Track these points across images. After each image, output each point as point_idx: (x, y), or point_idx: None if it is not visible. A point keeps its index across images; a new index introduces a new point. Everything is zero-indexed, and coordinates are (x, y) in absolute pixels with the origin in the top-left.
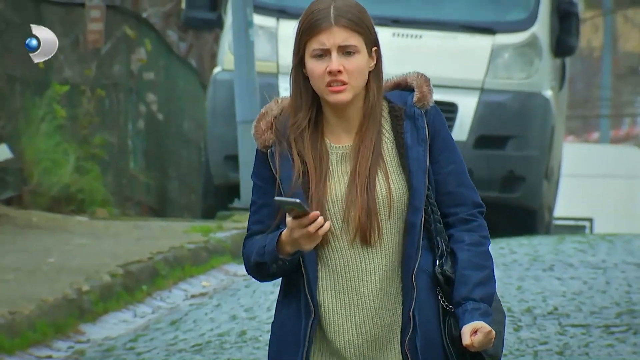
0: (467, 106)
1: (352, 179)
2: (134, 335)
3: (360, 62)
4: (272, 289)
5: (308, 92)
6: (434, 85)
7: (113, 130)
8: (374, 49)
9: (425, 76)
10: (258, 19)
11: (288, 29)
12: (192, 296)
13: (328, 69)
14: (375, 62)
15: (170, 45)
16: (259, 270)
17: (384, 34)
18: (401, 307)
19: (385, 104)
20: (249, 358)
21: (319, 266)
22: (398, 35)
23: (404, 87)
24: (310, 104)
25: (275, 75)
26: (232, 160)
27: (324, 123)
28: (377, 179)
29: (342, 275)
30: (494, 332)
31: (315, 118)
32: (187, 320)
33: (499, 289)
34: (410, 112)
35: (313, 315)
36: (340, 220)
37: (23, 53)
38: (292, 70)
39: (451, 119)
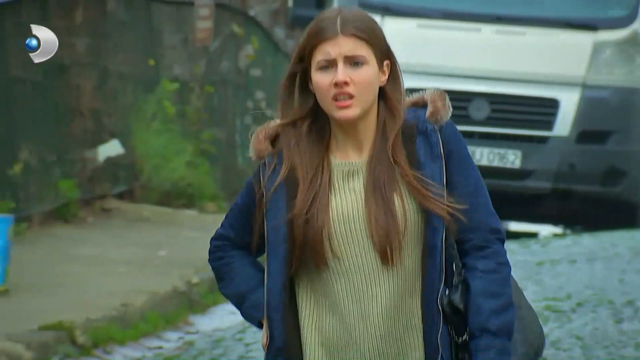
0: (569, 102)
1: (368, 197)
2: (242, 326)
3: (369, 74)
4: None
5: (307, 103)
6: (536, 81)
7: (222, 126)
8: (385, 62)
9: (442, 92)
10: None
11: (393, 26)
12: None
13: (334, 81)
14: (387, 76)
15: (277, 42)
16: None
17: (487, 31)
18: (415, 335)
19: None
20: None
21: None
22: (501, 32)
23: (421, 105)
24: (312, 115)
25: None
26: None
27: (332, 139)
28: (394, 196)
29: (344, 300)
30: None
31: (320, 131)
32: None
33: (601, 281)
34: (423, 128)
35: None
36: (354, 239)
37: (134, 51)
38: (286, 78)
39: (552, 114)
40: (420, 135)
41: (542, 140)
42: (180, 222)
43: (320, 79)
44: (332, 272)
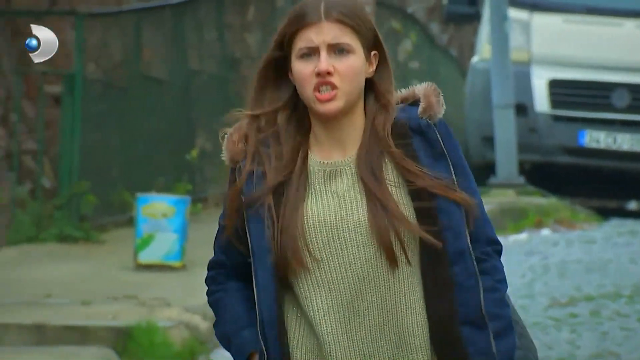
0: None
1: (359, 200)
2: None
3: (355, 63)
4: (526, 258)
5: (284, 94)
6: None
7: None
8: (373, 53)
9: (435, 86)
10: (512, 13)
11: (540, 21)
12: None
13: (316, 70)
14: (374, 68)
15: (433, 37)
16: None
17: (629, 25)
18: (415, 357)
19: None
20: None
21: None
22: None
23: (411, 101)
24: (289, 108)
25: (527, 63)
26: (489, 141)
27: (311, 135)
28: (390, 197)
29: (325, 317)
30: None
31: (299, 128)
32: None
33: None
34: (416, 125)
35: None
36: (337, 248)
37: None
38: (263, 65)
39: None
40: (415, 134)
41: None
42: None
43: (301, 68)
44: (312, 285)
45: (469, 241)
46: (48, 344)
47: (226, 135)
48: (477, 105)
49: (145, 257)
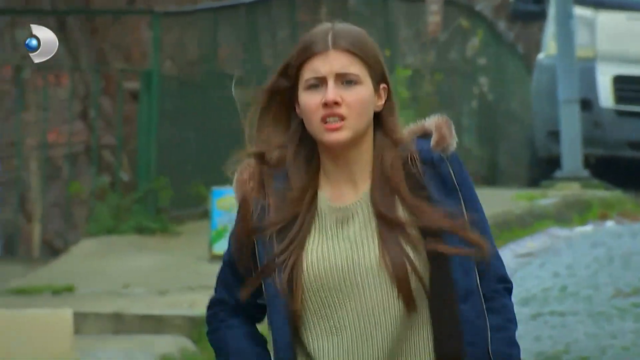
0: None
1: (369, 241)
2: None
3: (363, 94)
4: (591, 250)
5: (290, 128)
6: None
7: (450, 110)
8: (382, 86)
9: (446, 118)
10: (577, 10)
11: (605, 19)
12: (519, 255)
13: (323, 101)
14: (383, 101)
15: (500, 34)
16: None
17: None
18: None
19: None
20: (570, 310)
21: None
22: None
23: (421, 134)
24: (297, 142)
25: (592, 60)
26: (554, 135)
27: (321, 174)
28: (401, 237)
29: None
30: None
31: (308, 165)
32: (515, 277)
33: None
34: (428, 158)
35: None
36: (349, 293)
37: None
38: (266, 94)
39: None
40: (427, 167)
41: None
42: None
43: (307, 99)
44: (322, 330)
45: (478, 279)
46: (125, 332)
47: (236, 174)
48: (543, 100)
49: (219, 248)
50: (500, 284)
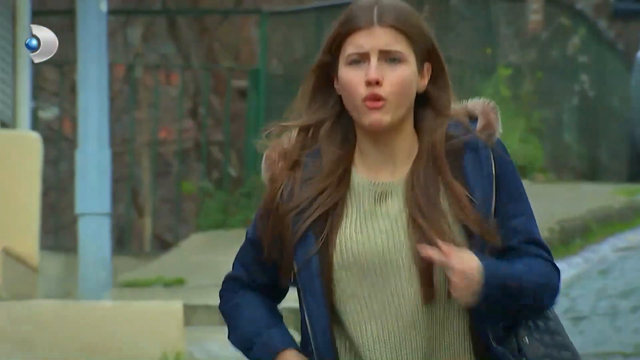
0: None
1: (409, 223)
2: (569, 283)
3: (407, 74)
4: None
5: (328, 104)
6: None
7: (550, 107)
8: (426, 65)
9: (493, 103)
10: None
11: None
12: (620, 249)
13: (366, 78)
14: (426, 81)
15: (600, 32)
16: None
17: None
18: None
19: None
20: None
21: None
22: None
23: (466, 117)
24: (333, 118)
25: None
26: None
27: (356, 152)
28: (441, 221)
29: (372, 347)
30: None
31: (343, 142)
32: (614, 270)
33: None
34: (473, 143)
35: None
36: (391, 273)
37: (473, 41)
38: (312, 71)
39: None
40: (469, 151)
41: None
42: None
43: (348, 75)
44: (363, 313)
45: None
46: None
47: (265, 155)
48: None
49: None
50: (543, 254)
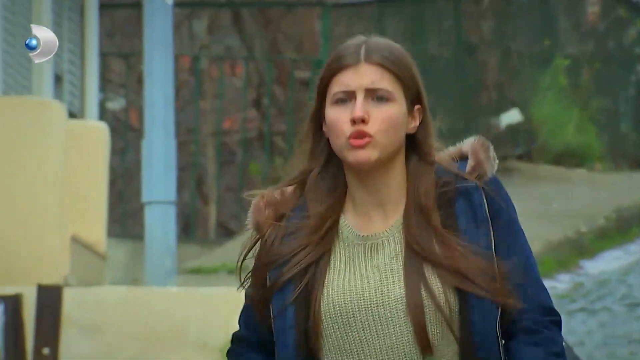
0: None
1: (396, 275)
2: (625, 269)
3: (394, 112)
4: None
5: (322, 153)
6: None
7: (607, 97)
8: (416, 107)
9: (483, 140)
10: None
11: None
12: None
13: (351, 117)
14: (417, 123)
15: None
16: None
17: None
18: None
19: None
20: None
21: None
22: None
23: (458, 158)
24: (322, 163)
25: None
26: None
27: (347, 199)
28: (432, 272)
29: None
30: None
31: (332, 189)
32: None
33: None
34: (462, 186)
35: None
36: (382, 328)
37: (532, 33)
38: (310, 119)
39: None
40: (460, 196)
41: None
42: (571, 179)
43: (334, 115)
44: None
45: (498, 324)
46: None
47: (253, 202)
48: None
49: None
50: (546, 316)
